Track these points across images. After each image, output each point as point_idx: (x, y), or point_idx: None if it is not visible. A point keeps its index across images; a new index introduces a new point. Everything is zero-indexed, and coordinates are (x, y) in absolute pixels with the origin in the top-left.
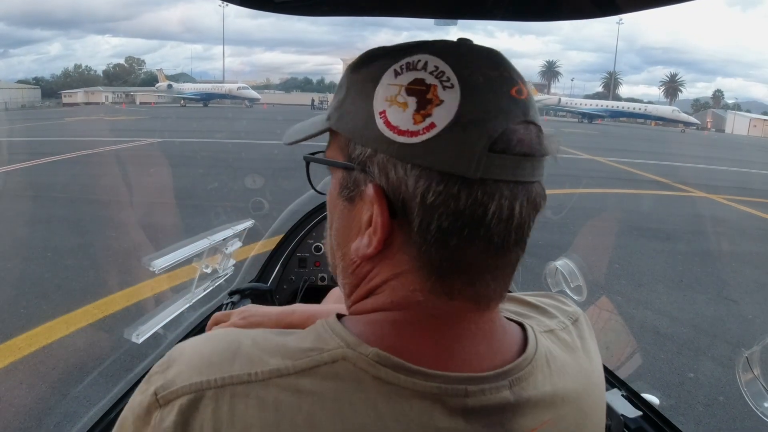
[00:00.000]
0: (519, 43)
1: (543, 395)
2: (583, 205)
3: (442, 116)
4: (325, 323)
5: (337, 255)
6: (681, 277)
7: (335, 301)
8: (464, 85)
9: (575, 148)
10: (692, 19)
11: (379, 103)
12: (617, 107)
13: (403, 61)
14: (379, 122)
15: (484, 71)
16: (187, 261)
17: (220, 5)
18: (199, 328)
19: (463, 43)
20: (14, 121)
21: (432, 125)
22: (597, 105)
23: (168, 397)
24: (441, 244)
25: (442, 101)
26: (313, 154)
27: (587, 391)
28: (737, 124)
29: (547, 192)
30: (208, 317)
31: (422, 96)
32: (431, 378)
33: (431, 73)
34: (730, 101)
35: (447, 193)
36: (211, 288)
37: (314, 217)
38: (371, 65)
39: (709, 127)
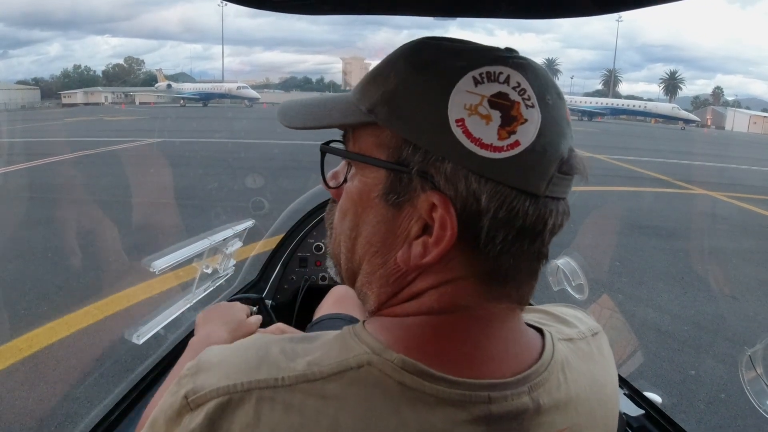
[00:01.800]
0: (519, 41)
1: (557, 401)
2: (583, 202)
3: (526, 135)
4: (351, 329)
5: (373, 261)
6: (682, 275)
7: (335, 300)
8: (543, 106)
9: (576, 146)
10: (692, 16)
11: (455, 110)
12: (617, 105)
13: (483, 70)
14: (457, 131)
15: (551, 92)
16: (188, 261)
17: (219, 5)
18: None
19: (527, 59)
20: (14, 122)
21: (516, 143)
22: (597, 103)
23: (198, 401)
24: (503, 254)
25: (526, 120)
26: (327, 143)
27: (601, 401)
28: (737, 121)
29: None
30: None
31: (507, 111)
32: (455, 385)
33: (514, 88)
34: (729, 98)
35: (518, 209)
36: (212, 288)
37: (315, 216)
38: (439, 65)
39: (709, 124)
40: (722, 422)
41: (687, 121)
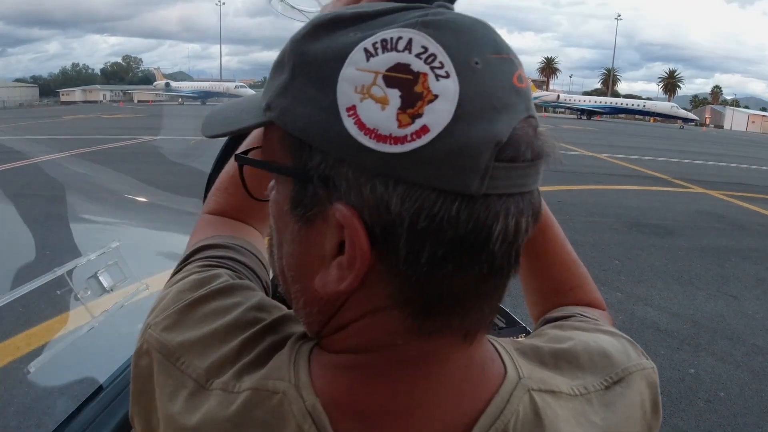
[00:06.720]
0: (518, 40)
1: None
2: (582, 201)
3: (438, 117)
4: (297, 349)
5: (293, 288)
6: (680, 273)
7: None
8: (465, 73)
9: (574, 144)
10: (691, 15)
11: (345, 95)
12: (616, 104)
13: (377, 37)
14: (348, 122)
15: (482, 51)
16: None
17: (217, 3)
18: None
19: (447, 13)
20: (12, 120)
21: (424, 129)
22: (596, 101)
23: None
24: (434, 275)
25: (436, 96)
26: (245, 152)
27: None
28: (736, 120)
29: (548, 189)
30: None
31: (408, 88)
32: None
33: (418, 56)
34: (728, 97)
35: (443, 215)
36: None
37: None
38: (329, 37)
39: (707, 123)
40: (722, 421)
41: (686, 120)
